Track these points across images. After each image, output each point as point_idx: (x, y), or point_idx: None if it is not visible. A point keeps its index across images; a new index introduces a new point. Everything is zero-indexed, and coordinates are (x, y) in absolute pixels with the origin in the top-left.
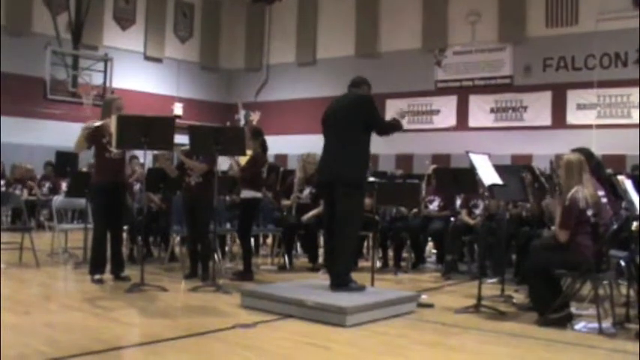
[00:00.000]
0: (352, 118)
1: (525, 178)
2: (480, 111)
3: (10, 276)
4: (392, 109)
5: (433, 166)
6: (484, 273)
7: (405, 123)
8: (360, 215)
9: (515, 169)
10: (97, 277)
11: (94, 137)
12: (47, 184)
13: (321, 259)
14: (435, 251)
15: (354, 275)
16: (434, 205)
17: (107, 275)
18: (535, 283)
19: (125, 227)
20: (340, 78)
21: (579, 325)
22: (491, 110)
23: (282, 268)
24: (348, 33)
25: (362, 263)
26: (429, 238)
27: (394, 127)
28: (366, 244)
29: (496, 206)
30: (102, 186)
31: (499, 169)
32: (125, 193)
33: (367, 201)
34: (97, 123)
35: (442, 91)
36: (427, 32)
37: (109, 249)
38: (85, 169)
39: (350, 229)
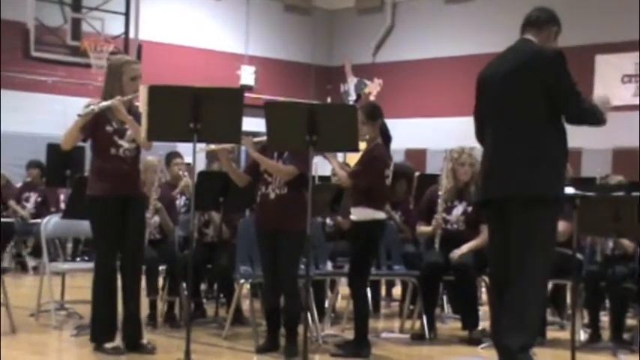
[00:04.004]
0: (529, 90)
1: None
2: None
3: None
4: (607, 74)
5: None
6: None
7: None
8: (551, 253)
9: None
10: (109, 345)
11: (95, 123)
12: (33, 198)
13: (483, 324)
14: None
15: (541, 353)
16: None
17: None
18: None
19: (161, 268)
20: (515, 21)
21: None
22: None
23: (418, 337)
24: None
25: (553, 332)
26: None
27: (594, 116)
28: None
29: None
30: (103, 199)
31: None
32: (143, 210)
33: (561, 227)
34: (106, 103)
35: None
36: None
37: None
38: None
39: (535, 275)
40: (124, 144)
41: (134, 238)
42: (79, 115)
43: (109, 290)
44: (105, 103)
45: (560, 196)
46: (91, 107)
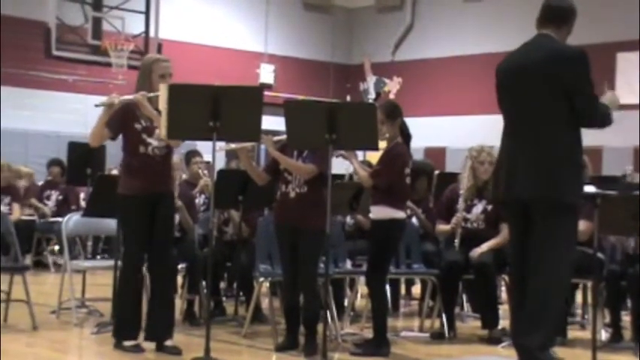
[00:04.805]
0: (549, 89)
1: None
2: None
3: None
4: (629, 71)
5: None
6: None
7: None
8: (572, 253)
9: None
10: (128, 343)
11: (123, 121)
12: (54, 196)
13: (503, 323)
14: None
15: (562, 352)
16: None
17: (145, 343)
18: None
19: (180, 266)
20: (535, 19)
21: None
22: None
23: (437, 337)
24: None
25: (574, 332)
26: None
27: (605, 121)
28: (580, 298)
29: None
30: (133, 197)
31: None
32: (172, 207)
33: (582, 226)
34: (128, 97)
35: None
36: None
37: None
38: (116, 172)
39: (556, 276)
40: (153, 142)
41: (162, 236)
42: (97, 105)
43: (134, 288)
44: (127, 97)
45: (581, 199)
46: (110, 98)
